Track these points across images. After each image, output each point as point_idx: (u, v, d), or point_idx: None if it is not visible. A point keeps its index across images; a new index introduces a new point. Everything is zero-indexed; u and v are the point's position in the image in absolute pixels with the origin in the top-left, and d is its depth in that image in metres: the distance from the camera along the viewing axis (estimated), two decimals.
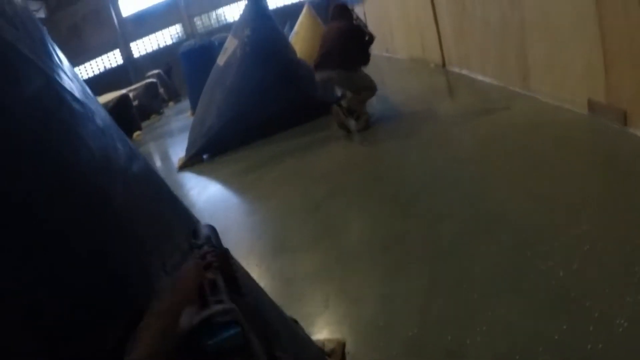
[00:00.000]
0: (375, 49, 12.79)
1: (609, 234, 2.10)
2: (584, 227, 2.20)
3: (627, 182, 2.53)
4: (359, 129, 5.23)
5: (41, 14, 20.51)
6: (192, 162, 6.49)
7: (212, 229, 0.98)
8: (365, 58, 5.21)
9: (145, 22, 22.34)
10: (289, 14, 14.62)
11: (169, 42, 23.12)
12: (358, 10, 15.12)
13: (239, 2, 23.10)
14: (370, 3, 12.94)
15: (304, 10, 11.78)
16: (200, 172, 6.05)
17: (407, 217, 2.95)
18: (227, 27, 21.82)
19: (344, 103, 5.19)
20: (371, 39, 5.24)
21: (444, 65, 7.57)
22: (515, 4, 4.53)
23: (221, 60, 6.58)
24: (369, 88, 5.16)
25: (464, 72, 6.55)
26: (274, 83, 5.98)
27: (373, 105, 5.86)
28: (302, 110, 6.14)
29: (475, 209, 2.74)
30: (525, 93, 4.60)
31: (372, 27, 13.65)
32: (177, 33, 23.39)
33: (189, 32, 22.81)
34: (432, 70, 7.90)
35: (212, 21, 23.42)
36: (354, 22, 5.26)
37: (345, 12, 5.31)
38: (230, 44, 6.47)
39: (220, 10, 23.22)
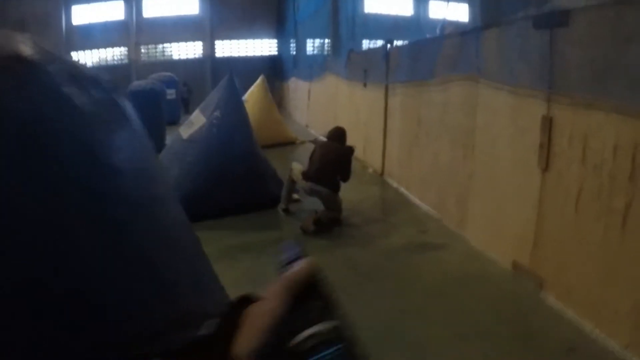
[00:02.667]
0: (313, 129, 13.13)
1: None
2: None
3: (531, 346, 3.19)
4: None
5: None
6: None
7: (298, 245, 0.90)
8: (348, 176, 6.06)
9: (93, 36, 21.93)
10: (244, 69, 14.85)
11: (111, 61, 22.76)
12: (304, 87, 15.77)
13: (187, 43, 23.35)
14: (320, 83, 13.49)
15: (259, 81, 12.22)
16: None
17: None
18: (170, 63, 21.87)
19: (318, 215, 5.74)
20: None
21: (382, 174, 8.20)
22: (468, 155, 5.24)
23: (185, 132, 6.60)
24: (339, 210, 5.92)
25: (402, 189, 7.18)
26: (233, 171, 6.09)
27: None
28: (255, 201, 6.32)
29: None
30: (460, 234, 5.24)
31: (314, 104, 14.07)
32: (121, 56, 23.10)
33: (133, 58, 22.62)
34: (370, 175, 8.48)
35: (158, 54, 23.36)
36: (349, 147, 6.17)
37: (343, 136, 6.25)
38: (197, 120, 6.55)
39: (167, 45, 23.28)
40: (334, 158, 5.93)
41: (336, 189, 5.94)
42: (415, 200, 6.62)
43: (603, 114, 3.22)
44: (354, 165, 9.26)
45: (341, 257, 4.96)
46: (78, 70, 1.23)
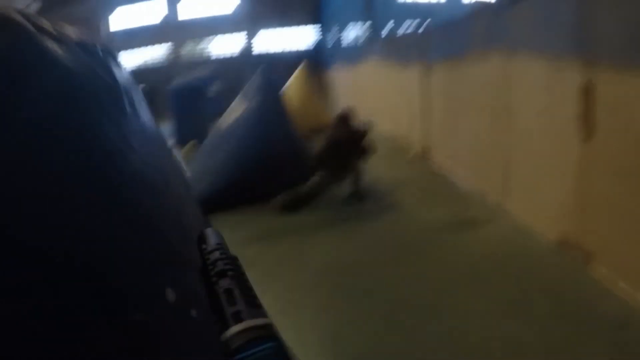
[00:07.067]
0: (361, 115, 13.07)
1: None
2: None
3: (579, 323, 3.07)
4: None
5: (33, 8, 20.44)
6: None
7: (220, 235, 0.85)
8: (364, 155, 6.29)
9: (134, 39, 22.52)
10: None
11: (152, 62, 23.22)
12: (336, 75, 15.72)
13: (225, 40, 23.65)
14: (354, 71, 13.42)
15: (300, 68, 12.02)
16: None
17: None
18: (209, 62, 22.06)
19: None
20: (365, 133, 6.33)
21: (423, 153, 8.14)
22: (505, 128, 5.14)
23: (225, 121, 6.87)
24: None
25: (443, 168, 7.11)
26: (275, 155, 6.14)
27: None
28: (295, 184, 6.32)
29: None
30: (504, 208, 5.17)
31: (358, 89, 14.04)
32: (161, 56, 23.59)
33: (172, 57, 23.17)
34: (411, 155, 8.48)
35: (196, 53, 23.83)
36: (353, 131, 6.31)
37: (345, 123, 6.40)
38: (238, 107, 6.73)
39: (207, 44, 23.68)
40: (335, 150, 6.16)
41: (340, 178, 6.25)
42: (458, 178, 6.54)
43: None
44: (395, 144, 9.34)
45: (384, 233, 5.16)
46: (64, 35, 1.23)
